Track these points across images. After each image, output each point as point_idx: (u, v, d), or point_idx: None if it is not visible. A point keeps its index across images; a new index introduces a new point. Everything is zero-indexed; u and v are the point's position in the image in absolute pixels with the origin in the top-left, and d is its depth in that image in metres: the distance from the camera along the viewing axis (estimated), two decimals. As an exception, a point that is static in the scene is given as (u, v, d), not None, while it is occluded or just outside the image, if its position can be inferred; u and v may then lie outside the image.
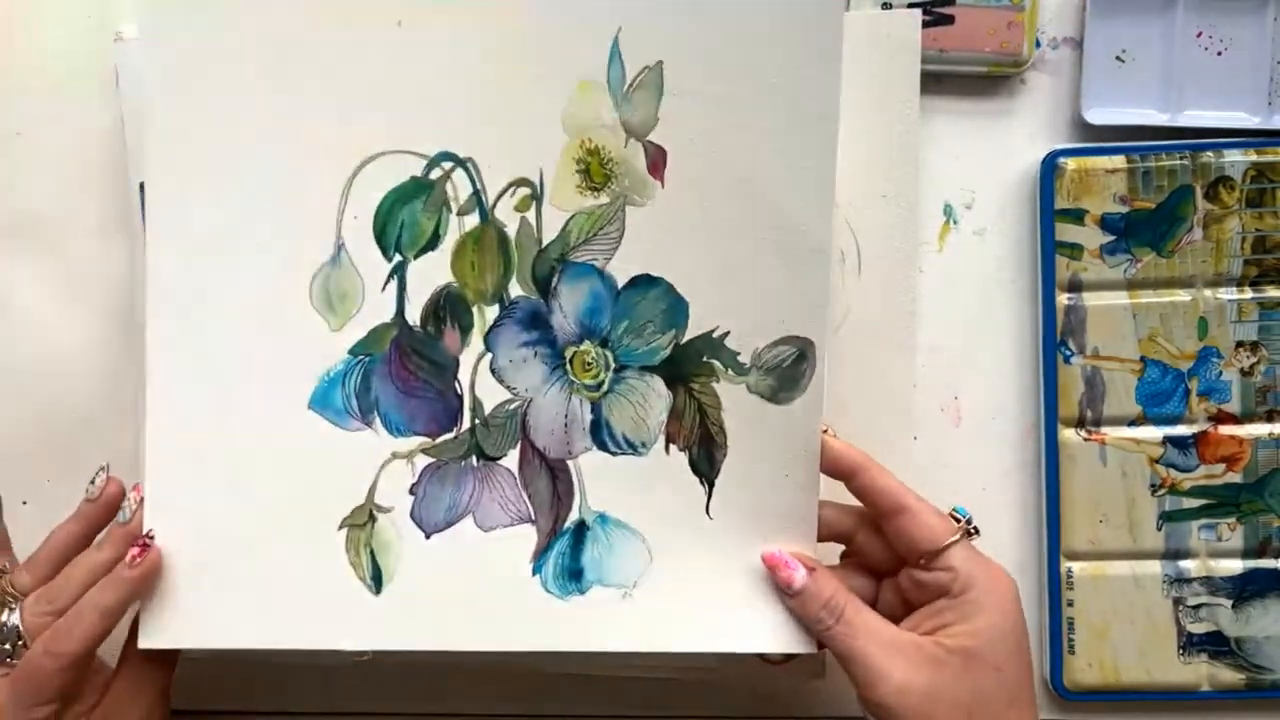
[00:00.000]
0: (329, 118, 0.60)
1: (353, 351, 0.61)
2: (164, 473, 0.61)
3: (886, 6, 0.69)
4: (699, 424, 0.61)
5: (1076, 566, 0.71)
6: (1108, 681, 0.71)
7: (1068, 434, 0.71)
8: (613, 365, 0.61)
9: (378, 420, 0.62)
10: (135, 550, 0.60)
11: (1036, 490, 0.72)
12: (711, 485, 0.61)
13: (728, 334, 0.61)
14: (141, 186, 0.62)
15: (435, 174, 0.60)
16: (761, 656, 0.63)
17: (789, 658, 0.63)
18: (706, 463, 0.61)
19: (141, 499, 0.61)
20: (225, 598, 0.61)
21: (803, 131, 0.59)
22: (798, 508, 0.61)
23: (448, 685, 0.73)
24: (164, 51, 0.60)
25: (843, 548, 0.65)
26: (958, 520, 0.59)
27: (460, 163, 0.60)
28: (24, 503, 0.72)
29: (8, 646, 0.61)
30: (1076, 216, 0.70)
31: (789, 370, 0.61)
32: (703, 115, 0.59)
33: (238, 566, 0.61)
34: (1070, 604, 0.70)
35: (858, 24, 0.69)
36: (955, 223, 0.72)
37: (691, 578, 0.62)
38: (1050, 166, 0.70)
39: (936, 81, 0.71)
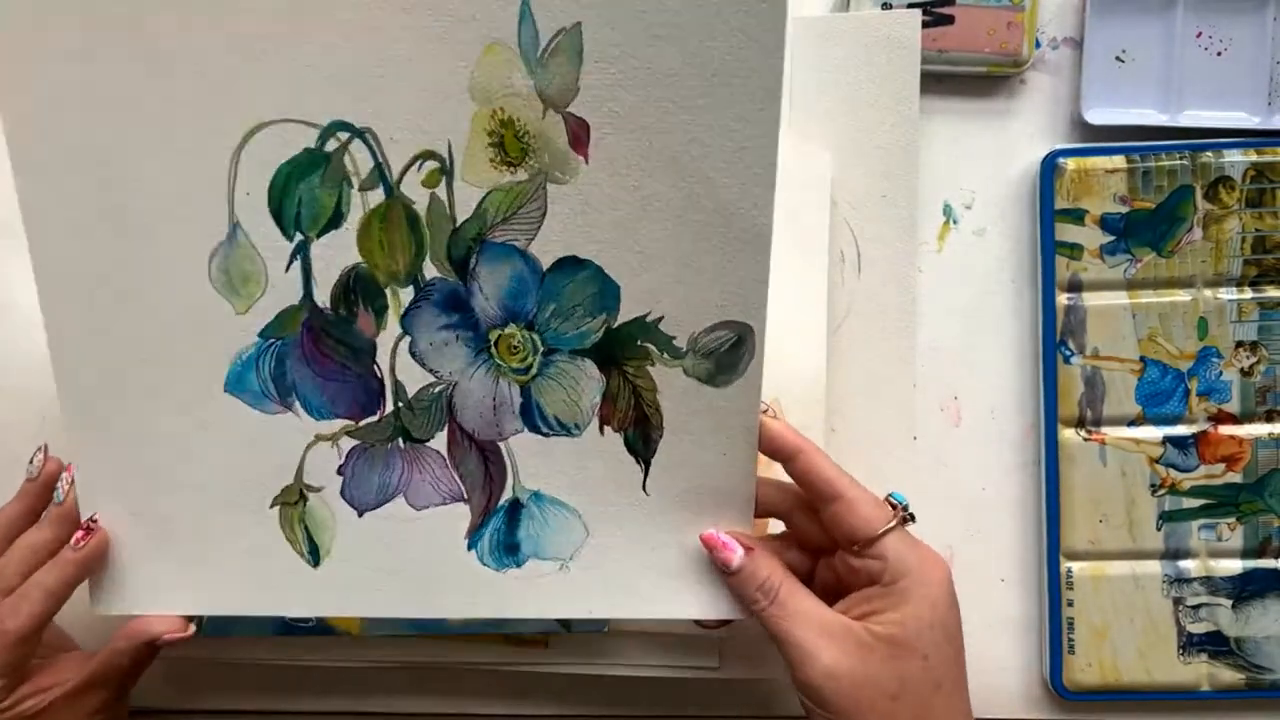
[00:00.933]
0: (211, 84, 0.55)
1: (263, 334, 0.59)
2: (89, 453, 0.61)
3: (886, 6, 0.69)
4: (634, 406, 0.59)
5: (1076, 566, 0.71)
6: (1108, 681, 0.71)
7: (1068, 434, 0.71)
8: (541, 349, 0.59)
9: (297, 403, 0.60)
10: (80, 534, 0.61)
11: (1036, 490, 0.72)
12: (648, 464, 0.60)
13: (662, 318, 0.58)
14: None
15: (331, 145, 0.56)
16: (697, 621, 0.64)
17: (723, 622, 0.63)
18: (642, 443, 0.60)
19: (73, 480, 0.62)
20: (169, 568, 0.62)
21: (742, 108, 0.54)
22: (735, 486, 0.60)
23: (448, 686, 0.73)
24: (40, 14, 0.55)
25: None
26: (894, 507, 0.59)
27: (357, 133, 0.56)
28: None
29: None
30: (1076, 216, 0.70)
31: (727, 355, 0.58)
32: (629, 86, 0.54)
33: (179, 540, 0.62)
34: (1070, 604, 0.70)
35: (858, 24, 0.69)
36: (955, 223, 0.72)
37: (629, 551, 0.61)
38: (1050, 166, 0.70)
39: (936, 81, 0.71)
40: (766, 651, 0.67)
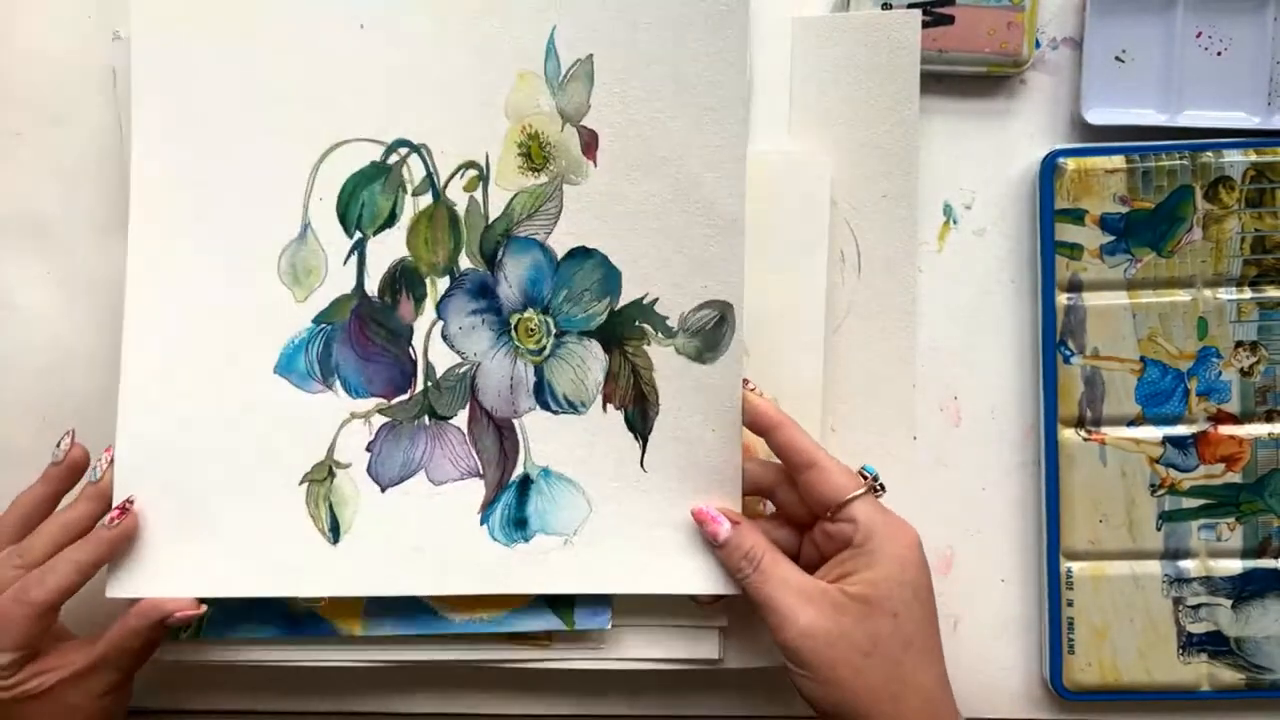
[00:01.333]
0: (298, 110, 0.66)
1: (316, 320, 0.67)
2: (135, 432, 0.66)
3: (886, 7, 0.69)
4: (633, 384, 0.67)
5: (1076, 566, 0.71)
6: (1107, 681, 0.71)
7: (1067, 434, 0.71)
8: (553, 331, 0.67)
9: (338, 383, 0.67)
10: (115, 512, 0.64)
11: (1036, 490, 0.72)
12: (645, 441, 0.67)
13: (657, 300, 0.66)
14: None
15: (393, 159, 0.67)
16: (692, 598, 0.68)
17: (717, 598, 0.68)
18: (640, 420, 0.67)
19: (111, 460, 0.66)
20: (189, 550, 0.66)
21: (716, 115, 0.65)
22: (723, 462, 0.66)
23: (448, 685, 0.73)
24: (154, 46, 0.66)
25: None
26: (865, 478, 0.63)
27: (415, 148, 0.67)
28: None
29: None
30: (1076, 216, 0.70)
31: (711, 332, 0.66)
32: (629, 102, 0.66)
33: (203, 521, 0.66)
34: (1070, 604, 0.71)
35: (858, 24, 0.69)
36: (955, 223, 0.72)
37: (628, 527, 0.67)
38: (1050, 166, 0.70)
39: (936, 81, 0.71)
40: (768, 646, 0.68)
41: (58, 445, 0.66)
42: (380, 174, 0.67)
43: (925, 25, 0.69)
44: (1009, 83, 0.72)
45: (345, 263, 0.67)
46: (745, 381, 0.66)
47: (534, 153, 0.66)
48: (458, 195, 0.67)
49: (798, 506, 0.65)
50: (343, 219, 0.67)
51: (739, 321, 0.65)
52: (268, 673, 0.72)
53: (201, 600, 0.65)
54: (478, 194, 0.67)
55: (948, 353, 0.72)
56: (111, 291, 0.70)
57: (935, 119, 0.72)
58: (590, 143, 0.66)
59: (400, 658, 0.70)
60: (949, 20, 0.69)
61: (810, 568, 0.63)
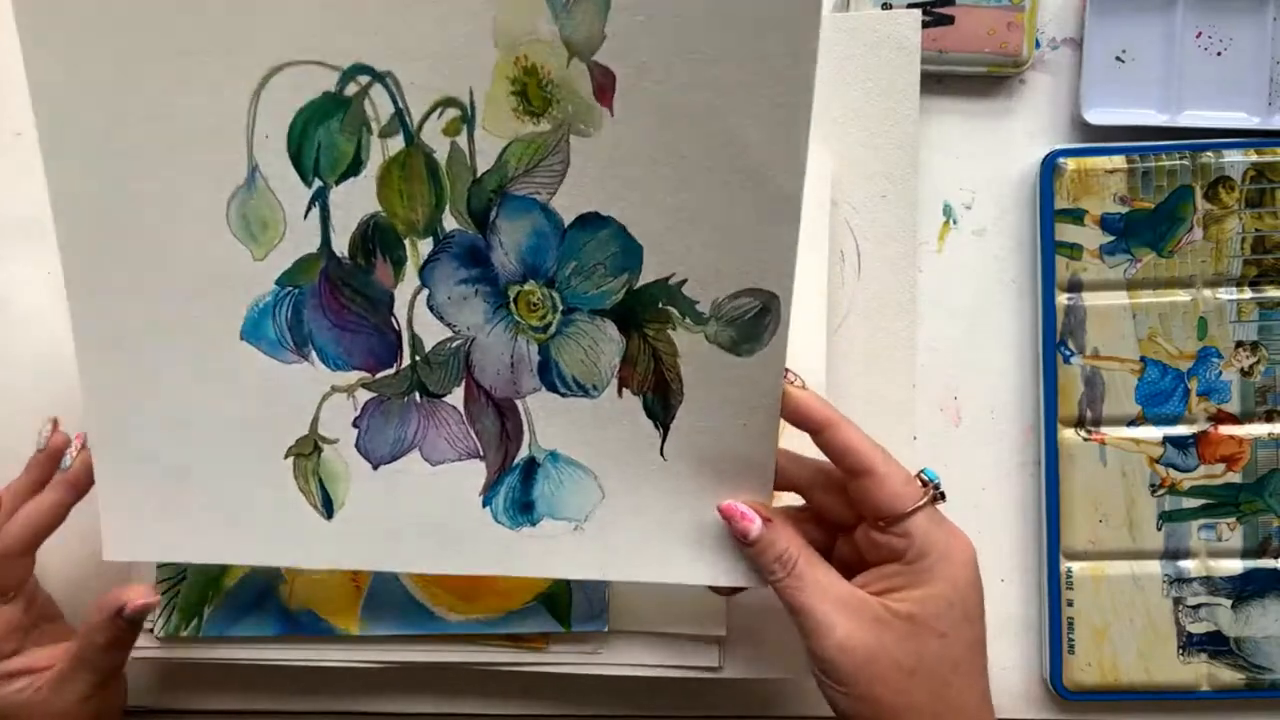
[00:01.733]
0: (227, 23, 0.54)
1: (279, 282, 0.59)
2: (103, 400, 0.60)
3: (886, 6, 0.69)
4: (654, 370, 0.58)
5: (1076, 566, 0.71)
6: (1107, 681, 0.71)
7: (1067, 434, 0.71)
8: (560, 307, 0.58)
9: (314, 353, 0.60)
10: (71, 450, 0.64)
11: (1036, 490, 0.72)
12: (666, 429, 0.59)
13: (685, 281, 0.56)
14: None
15: (351, 89, 0.55)
16: (710, 586, 0.63)
17: (736, 589, 0.63)
18: (661, 407, 0.59)
19: (82, 446, 0.64)
20: (185, 516, 0.62)
21: (775, 62, 0.51)
22: (755, 456, 0.59)
23: (448, 686, 0.73)
24: None
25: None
26: (925, 484, 0.58)
27: (378, 77, 0.54)
28: (25, 502, 0.72)
29: None
30: (1076, 216, 0.70)
31: (750, 323, 0.56)
32: (658, 34, 0.51)
33: (195, 490, 0.61)
34: (1070, 604, 0.71)
35: (858, 24, 0.69)
36: (955, 223, 0.72)
37: (644, 514, 0.60)
38: (1050, 166, 0.70)
39: (936, 81, 0.71)
40: (768, 652, 0.68)
41: (39, 433, 0.65)
42: (337, 108, 0.55)
43: (925, 25, 0.69)
44: (1009, 83, 0.72)
45: (306, 216, 0.57)
46: (786, 373, 0.57)
47: (531, 92, 0.53)
48: (436, 140, 0.55)
49: (838, 509, 0.60)
50: (297, 162, 0.56)
51: (785, 314, 0.55)
52: (266, 673, 0.72)
53: (169, 602, 0.64)
54: (461, 139, 0.55)
55: (948, 353, 0.72)
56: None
57: (935, 119, 0.72)
58: (604, 84, 0.53)
59: (398, 658, 0.70)
60: (949, 20, 0.69)
61: (845, 570, 0.59)
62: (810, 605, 0.57)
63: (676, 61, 0.52)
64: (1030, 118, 0.72)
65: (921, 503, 0.57)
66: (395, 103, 0.55)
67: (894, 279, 0.71)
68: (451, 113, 0.55)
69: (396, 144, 0.56)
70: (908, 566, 0.57)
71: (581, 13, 0.51)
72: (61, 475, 0.64)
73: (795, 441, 0.61)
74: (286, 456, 0.61)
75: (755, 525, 0.58)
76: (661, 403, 0.58)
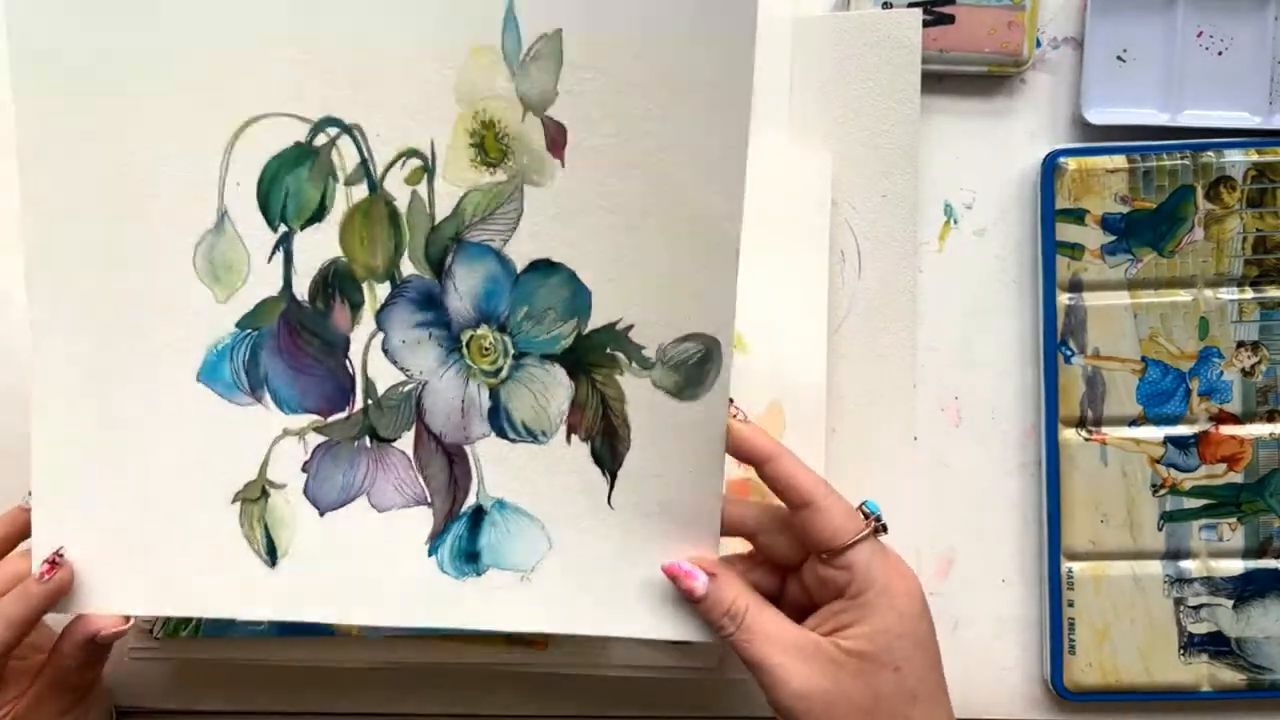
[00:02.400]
0: (207, 77, 0.56)
1: (240, 325, 0.59)
2: (52, 448, 0.60)
3: (887, 6, 0.69)
4: (601, 416, 0.59)
5: (1077, 566, 0.70)
6: (1108, 682, 0.70)
7: (1068, 434, 0.71)
8: (512, 351, 0.59)
9: (268, 396, 0.60)
10: (45, 567, 0.60)
11: (1037, 490, 0.72)
12: (614, 476, 0.59)
13: (631, 327, 0.57)
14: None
15: (320, 140, 0.57)
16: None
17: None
18: (609, 454, 0.59)
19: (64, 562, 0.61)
20: (125, 566, 0.61)
21: (714, 115, 0.54)
22: (702, 503, 0.59)
23: (447, 686, 0.73)
24: (35, 13, 0.56)
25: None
26: (866, 516, 0.58)
27: (346, 129, 0.57)
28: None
29: None
30: (1077, 216, 0.70)
31: (694, 368, 0.57)
32: (605, 92, 0.55)
33: (135, 537, 0.60)
34: (1071, 604, 0.70)
35: (858, 24, 0.69)
36: (955, 223, 0.72)
37: (592, 565, 0.60)
38: (1051, 166, 0.70)
39: (936, 81, 0.71)
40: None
41: (30, 493, 0.62)
42: (306, 157, 0.57)
43: (925, 25, 0.69)
44: (1009, 82, 0.72)
45: (270, 260, 0.58)
46: (730, 403, 0.58)
47: (489, 144, 0.56)
48: (398, 188, 0.57)
49: (785, 550, 0.60)
50: (264, 208, 0.58)
51: (726, 360, 0.57)
52: (267, 672, 0.72)
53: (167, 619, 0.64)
54: (421, 188, 0.57)
55: (948, 353, 0.72)
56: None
57: (935, 119, 0.72)
58: (557, 138, 0.56)
59: (398, 658, 0.70)
60: (949, 20, 0.69)
61: (797, 611, 0.59)
62: (763, 657, 0.56)
63: (623, 116, 0.55)
64: (1031, 117, 0.72)
65: (862, 535, 0.57)
66: (361, 153, 0.57)
67: (894, 279, 0.71)
68: (414, 163, 0.57)
69: (360, 192, 0.57)
70: (852, 601, 0.56)
71: (537, 71, 0.55)
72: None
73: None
74: (234, 501, 0.60)
75: (700, 582, 0.58)
76: (610, 449, 0.59)
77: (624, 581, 0.60)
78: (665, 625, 0.60)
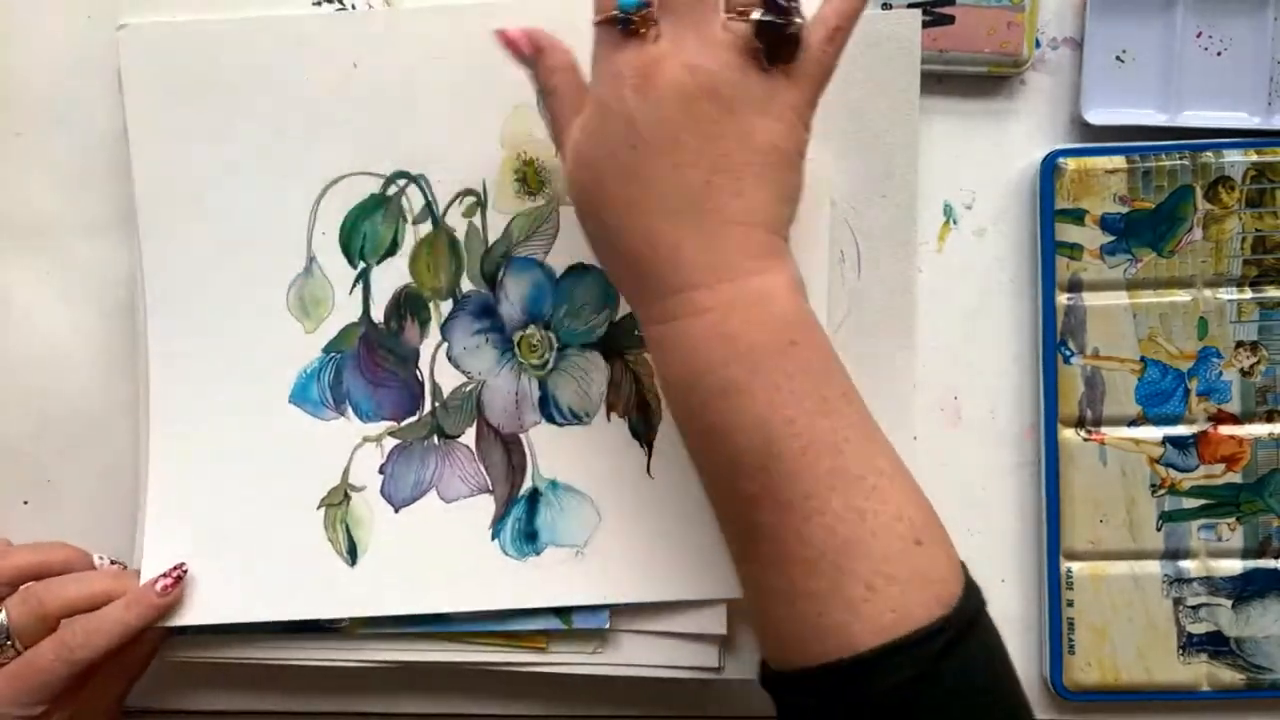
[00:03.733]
0: (296, 149, 0.68)
1: (326, 350, 0.69)
2: (167, 475, 0.68)
3: (886, 7, 0.69)
4: (635, 392, 0.69)
5: (1076, 566, 0.71)
6: (1107, 681, 0.71)
7: (1067, 434, 0.71)
8: (556, 345, 0.69)
9: (349, 409, 0.69)
10: (168, 581, 0.65)
11: (1036, 490, 0.72)
12: (650, 447, 0.69)
13: None
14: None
15: (392, 190, 0.69)
16: None
17: None
18: (644, 426, 0.69)
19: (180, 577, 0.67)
20: (216, 579, 0.68)
21: None
22: None
23: (447, 686, 0.73)
24: (148, 101, 0.68)
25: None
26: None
27: (414, 179, 0.69)
28: (25, 502, 0.72)
29: None
30: (1076, 216, 0.70)
31: None
32: None
33: (228, 551, 0.68)
34: (1070, 604, 0.71)
35: (858, 24, 0.69)
36: (955, 223, 0.72)
37: (638, 534, 0.68)
38: (1050, 166, 0.70)
39: (936, 81, 0.71)
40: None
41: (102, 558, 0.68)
42: (380, 205, 0.69)
43: (925, 25, 0.69)
44: (1009, 83, 0.72)
45: (351, 292, 0.69)
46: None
47: (530, 178, 0.68)
48: (457, 221, 0.69)
49: None
50: (346, 250, 0.69)
51: None
52: (268, 672, 0.72)
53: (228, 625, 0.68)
54: (476, 219, 0.69)
55: (948, 353, 0.72)
56: (111, 291, 0.71)
57: (935, 119, 0.72)
58: None
59: (399, 658, 0.70)
60: (949, 20, 0.69)
61: None
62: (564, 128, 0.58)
63: None
64: (1030, 118, 0.72)
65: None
66: (426, 197, 0.69)
67: (893, 279, 0.71)
68: (469, 199, 0.69)
69: (426, 228, 0.69)
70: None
71: None
72: (125, 573, 0.67)
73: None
74: (319, 507, 0.69)
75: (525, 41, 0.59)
76: (644, 422, 0.69)
77: (669, 547, 0.68)
78: (710, 586, 0.68)
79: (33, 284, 0.72)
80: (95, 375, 0.72)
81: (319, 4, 0.70)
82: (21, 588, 0.65)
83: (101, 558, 0.68)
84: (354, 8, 0.70)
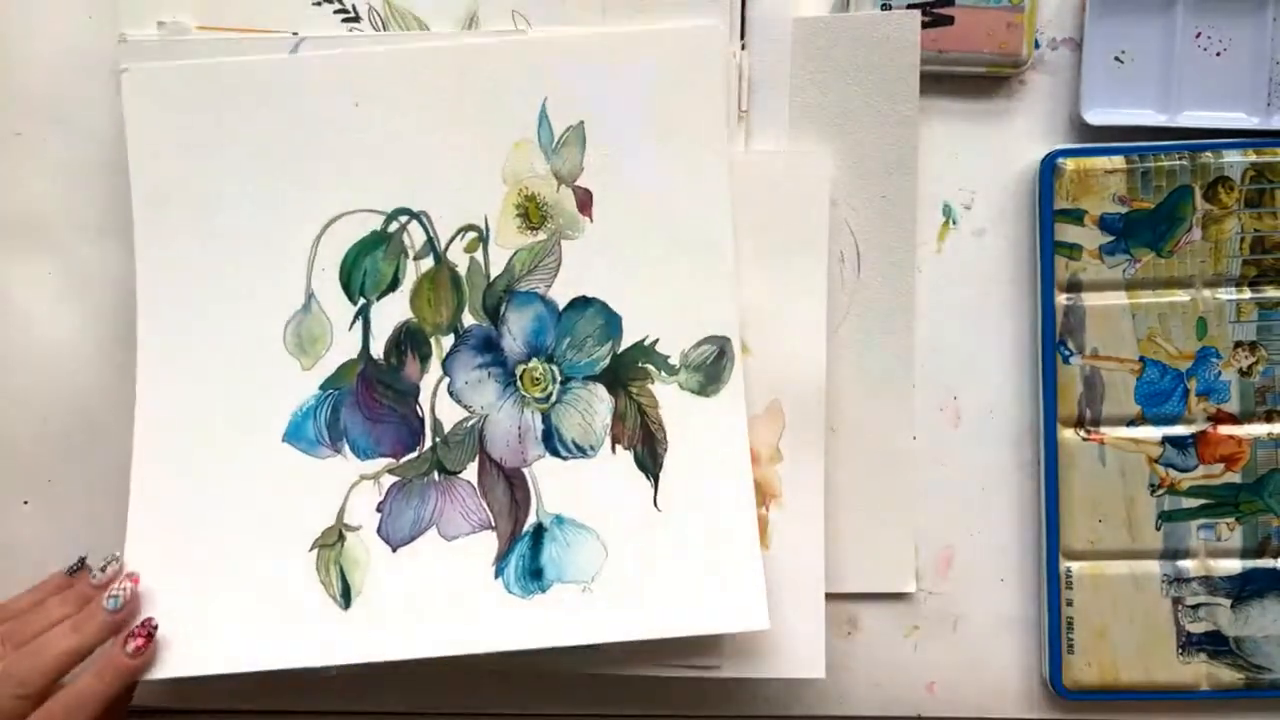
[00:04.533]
0: (297, 186, 0.68)
1: (323, 386, 0.68)
2: (148, 516, 0.67)
3: (886, 7, 0.69)
4: (640, 424, 0.68)
5: (1075, 566, 0.71)
6: (1106, 681, 0.71)
7: (1067, 434, 0.71)
8: (559, 378, 0.69)
9: (346, 446, 0.68)
10: (139, 641, 0.63)
11: (1035, 490, 0.72)
12: (656, 480, 0.68)
13: (657, 340, 0.68)
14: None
15: (393, 227, 0.68)
16: None
17: None
18: (650, 458, 0.68)
19: (134, 590, 0.64)
20: (200, 629, 0.66)
21: (699, 167, 0.68)
22: (733, 491, 0.67)
23: (447, 685, 0.73)
24: (150, 132, 0.68)
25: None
26: None
27: (415, 215, 0.68)
28: (25, 503, 0.72)
29: None
30: (1076, 217, 0.70)
31: (712, 366, 0.68)
32: (619, 161, 0.68)
33: (213, 598, 0.66)
34: (1069, 603, 0.71)
35: (858, 24, 0.69)
36: (954, 223, 0.72)
37: (646, 568, 0.67)
38: (1049, 167, 0.70)
39: (936, 82, 0.71)
40: (769, 651, 0.68)
41: (102, 569, 0.65)
42: (381, 242, 0.69)
43: (925, 25, 0.69)
44: (1008, 83, 0.72)
45: (350, 328, 0.69)
46: None
47: (531, 213, 0.68)
48: (459, 257, 0.69)
49: None
50: (346, 287, 0.69)
51: (736, 353, 0.68)
52: (267, 672, 0.72)
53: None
54: (478, 254, 0.69)
55: (947, 353, 0.72)
56: (111, 291, 0.71)
57: (935, 119, 0.72)
58: (585, 200, 0.68)
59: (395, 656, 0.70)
60: (949, 21, 0.69)
61: None
62: None
63: (634, 177, 0.68)
64: (1030, 118, 0.72)
65: None
66: (427, 233, 0.69)
67: (894, 279, 0.71)
68: (471, 235, 0.69)
69: (427, 264, 0.69)
70: None
71: (566, 153, 0.68)
72: (112, 616, 0.64)
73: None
74: (311, 549, 0.67)
75: None
76: (650, 454, 0.68)
77: (675, 581, 0.67)
78: (714, 618, 0.67)
79: (33, 284, 0.72)
80: (95, 375, 0.72)
81: (319, 4, 0.70)
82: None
83: (107, 561, 0.66)
84: (354, 9, 0.70)
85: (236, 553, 0.67)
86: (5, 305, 0.72)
